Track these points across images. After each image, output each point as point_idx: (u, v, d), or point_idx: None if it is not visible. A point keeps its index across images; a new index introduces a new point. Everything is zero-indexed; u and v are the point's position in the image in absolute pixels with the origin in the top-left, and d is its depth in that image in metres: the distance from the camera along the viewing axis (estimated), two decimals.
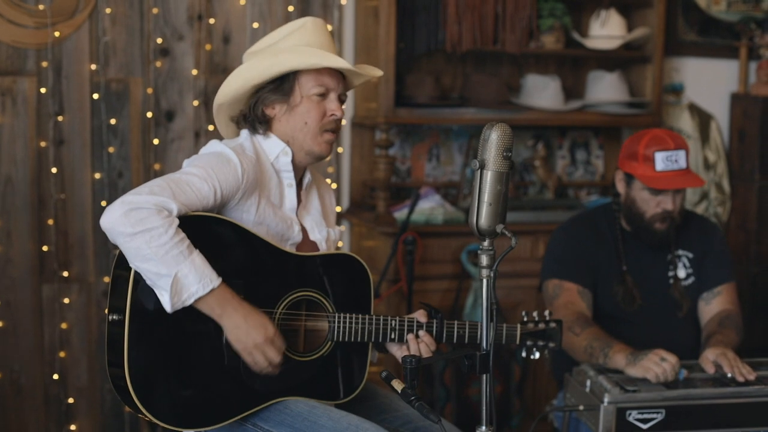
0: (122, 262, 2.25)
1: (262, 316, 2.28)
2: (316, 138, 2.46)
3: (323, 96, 2.45)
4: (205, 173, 2.29)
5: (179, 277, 2.17)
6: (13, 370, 4.03)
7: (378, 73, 2.55)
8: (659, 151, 3.08)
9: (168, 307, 2.18)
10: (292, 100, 2.44)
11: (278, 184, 2.47)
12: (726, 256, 3.30)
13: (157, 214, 2.17)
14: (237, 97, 2.46)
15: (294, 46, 2.43)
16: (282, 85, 2.43)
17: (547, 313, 2.69)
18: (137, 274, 2.21)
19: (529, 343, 2.62)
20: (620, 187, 3.23)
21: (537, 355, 2.64)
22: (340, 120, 2.49)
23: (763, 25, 4.80)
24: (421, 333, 2.48)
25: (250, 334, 2.25)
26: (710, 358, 2.92)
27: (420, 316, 2.51)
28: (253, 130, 2.47)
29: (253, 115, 2.46)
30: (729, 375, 2.86)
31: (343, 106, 2.51)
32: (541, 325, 2.65)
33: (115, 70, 4.04)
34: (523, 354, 2.64)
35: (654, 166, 3.09)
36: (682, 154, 3.10)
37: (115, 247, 2.27)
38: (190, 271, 2.18)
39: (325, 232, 2.57)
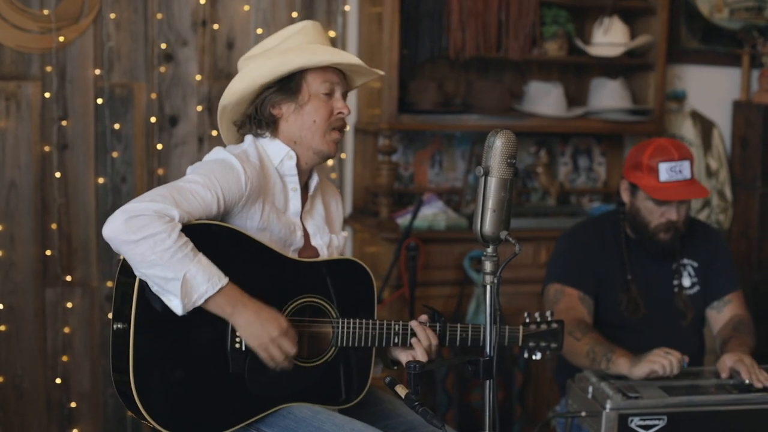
0: (126, 270, 2.25)
1: (273, 311, 2.28)
2: (324, 136, 2.46)
3: (329, 95, 2.46)
4: (208, 181, 2.29)
5: (188, 278, 2.17)
6: (15, 374, 4.03)
7: (379, 72, 2.58)
8: (663, 162, 3.08)
9: (179, 310, 2.18)
10: (300, 98, 2.44)
11: (282, 188, 2.47)
12: (731, 264, 3.31)
13: (158, 220, 2.17)
14: (243, 97, 2.45)
15: (299, 45, 2.44)
16: (289, 84, 2.43)
17: (548, 313, 2.68)
18: (142, 282, 2.21)
19: (531, 344, 2.62)
20: (625, 196, 3.22)
21: (539, 355, 2.64)
22: (345, 118, 2.50)
23: (765, 33, 4.81)
24: (422, 320, 2.49)
25: (265, 329, 2.25)
26: (728, 364, 2.92)
27: (422, 320, 2.51)
28: (259, 132, 2.47)
29: (260, 115, 2.45)
30: (747, 381, 2.86)
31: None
32: (543, 326, 2.65)
33: (119, 75, 4.05)
34: (525, 355, 2.64)
35: (658, 176, 3.08)
36: (686, 164, 3.09)
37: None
38: (198, 272, 2.18)
39: (327, 237, 2.56)
